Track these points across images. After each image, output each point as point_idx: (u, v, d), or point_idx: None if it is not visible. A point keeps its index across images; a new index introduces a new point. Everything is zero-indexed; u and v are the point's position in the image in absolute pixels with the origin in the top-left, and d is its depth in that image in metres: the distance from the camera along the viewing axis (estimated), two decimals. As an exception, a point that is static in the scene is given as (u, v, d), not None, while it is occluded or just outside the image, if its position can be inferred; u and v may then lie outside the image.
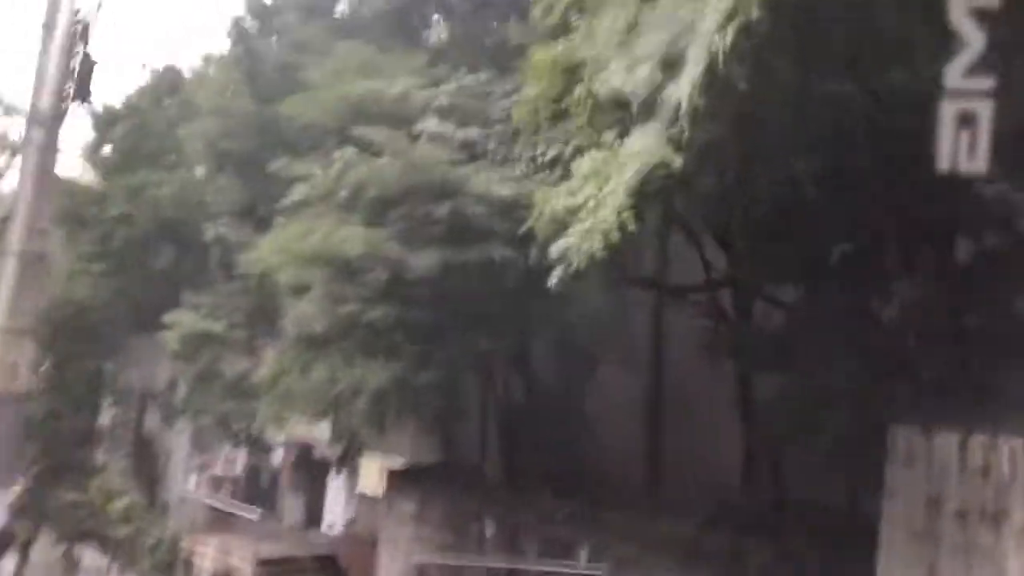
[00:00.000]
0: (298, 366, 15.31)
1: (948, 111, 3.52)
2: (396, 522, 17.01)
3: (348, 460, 23.96)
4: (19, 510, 26.44)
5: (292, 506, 24.82)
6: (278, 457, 25.97)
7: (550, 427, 17.01)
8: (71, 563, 26.56)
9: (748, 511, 12.89)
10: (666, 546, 12.37)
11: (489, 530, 15.07)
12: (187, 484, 25.14)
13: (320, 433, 23.33)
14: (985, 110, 3.45)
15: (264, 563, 20.71)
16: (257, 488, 26.20)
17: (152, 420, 29.25)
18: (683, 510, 13.53)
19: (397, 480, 17.84)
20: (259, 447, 26.50)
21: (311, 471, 25.10)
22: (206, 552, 21.89)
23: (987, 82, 3.43)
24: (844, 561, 10.63)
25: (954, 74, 3.45)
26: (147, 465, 28.07)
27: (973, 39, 3.41)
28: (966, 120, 3.49)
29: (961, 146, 3.54)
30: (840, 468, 11.00)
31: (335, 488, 24.25)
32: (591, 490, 15.13)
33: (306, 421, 22.32)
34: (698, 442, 15.33)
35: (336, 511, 24.01)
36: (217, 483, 23.49)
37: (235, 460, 26.26)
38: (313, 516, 24.72)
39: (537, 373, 16.91)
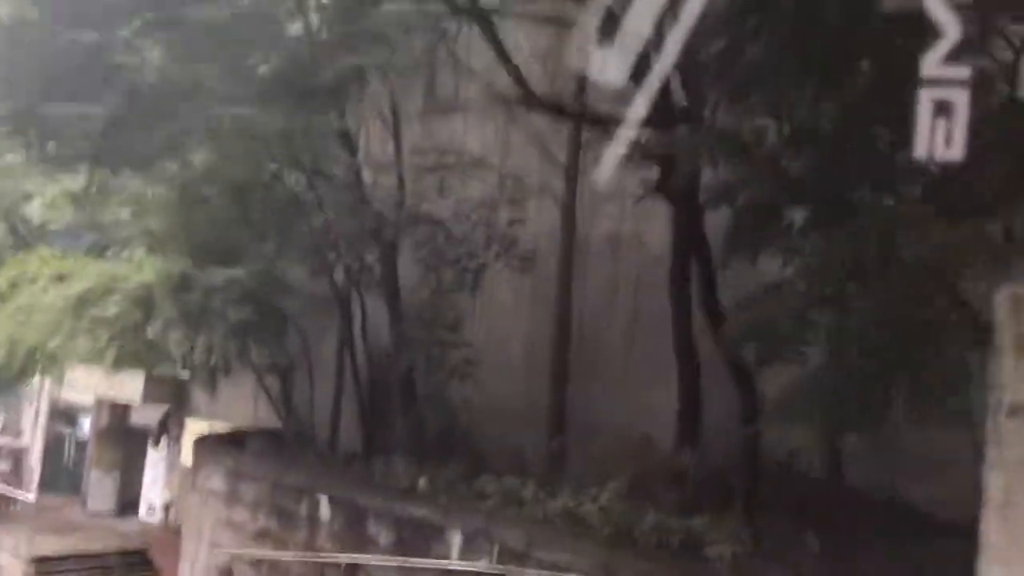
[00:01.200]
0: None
1: (925, 99, 3.48)
2: (201, 503, 12.32)
3: (169, 427, 19.10)
4: None
5: (100, 487, 19.70)
6: (87, 426, 20.78)
7: (424, 379, 12.65)
8: None
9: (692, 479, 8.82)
10: (569, 530, 8.20)
11: (324, 512, 10.59)
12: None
13: (133, 391, 18.35)
14: (962, 98, 3.44)
15: (41, 560, 15.66)
16: (59, 465, 20.92)
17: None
18: (600, 480, 9.37)
19: (205, 449, 13.13)
20: (58, 411, 21.24)
21: (126, 443, 20.01)
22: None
23: (964, 70, 3.42)
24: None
25: (931, 62, 3.41)
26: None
27: (950, 27, 3.35)
28: (942, 109, 3.47)
29: (938, 134, 3.48)
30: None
31: (155, 463, 19.29)
32: (475, 459, 10.87)
33: (109, 372, 17.50)
34: (619, 387, 11.22)
35: (156, 492, 19.06)
36: None
37: (20, 428, 20.90)
38: (128, 499, 19.68)
39: (407, 305, 12.38)
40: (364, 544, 10.07)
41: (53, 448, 21.00)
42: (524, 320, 12.76)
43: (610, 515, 8.00)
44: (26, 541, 15.94)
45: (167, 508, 18.22)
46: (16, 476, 18.30)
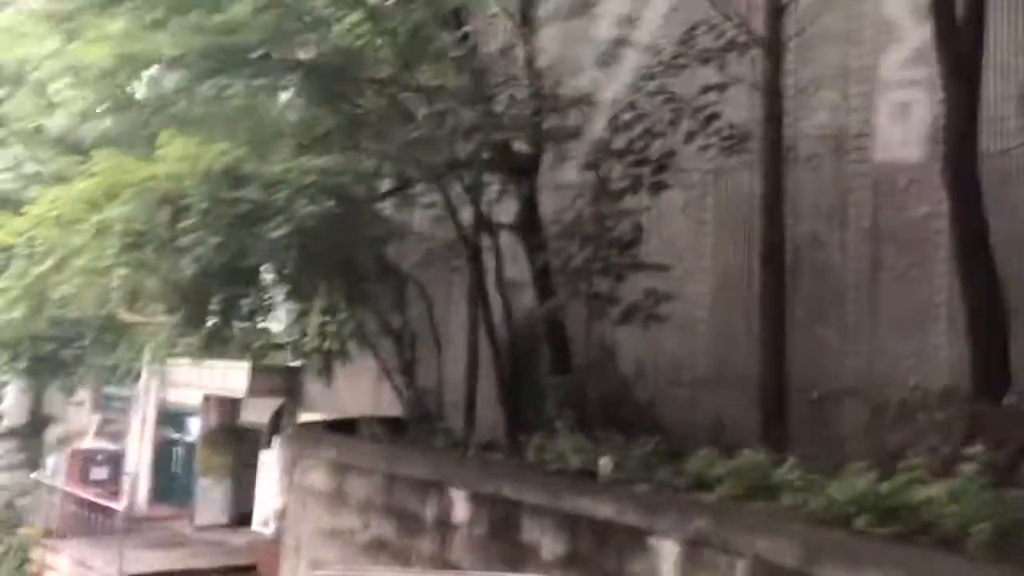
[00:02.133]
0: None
1: (883, 102, 3.53)
2: (299, 507, 9.32)
3: (282, 425, 16.41)
4: None
5: (210, 497, 17.19)
6: (196, 430, 18.39)
7: (584, 326, 9.41)
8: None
9: None
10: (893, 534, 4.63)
11: (460, 512, 7.35)
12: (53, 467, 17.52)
13: (240, 384, 15.77)
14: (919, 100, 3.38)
15: (134, 581, 13.15)
16: (168, 473, 18.61)
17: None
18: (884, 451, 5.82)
19: (302, 438, 10.18)
20: (166, 414, 18.97)
21: (237, 446, 17.48)
22: (59, 567, 14.35)
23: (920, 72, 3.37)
24: None
25: (889, 66, 3.49)
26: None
27: (908, 31, 3.40)
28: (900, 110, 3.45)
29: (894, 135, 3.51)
30: None
31: (268, 467, 16.64)
32: (662, 431, 7.44)
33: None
34: (859, 330, 7.70)
35: (269, 501, 16.39)
36: (85, 462, 15.89)
37: (116, 429, 18.70)
38: (241, 510, 17.12)
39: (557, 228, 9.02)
40: (520, 557, 6.77)
41: (161, 455, 18.72)
42: (714, 244, 9.24)
43: (980, 505, 4.35)
44: (120, 557, 13.45)
45: (280, 517, 15.47)
46: (115, 485, 15.95)
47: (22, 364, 14.65)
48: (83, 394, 20.98)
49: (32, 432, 21.48)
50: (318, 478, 8.99)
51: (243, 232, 7.13)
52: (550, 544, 6.59)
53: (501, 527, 7.05)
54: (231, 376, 15.78)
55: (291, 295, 12.58)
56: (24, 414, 22.18)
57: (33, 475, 15.98)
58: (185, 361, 17.17)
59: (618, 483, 6.48)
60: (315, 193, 6.70)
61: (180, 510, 17.72)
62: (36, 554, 15.06)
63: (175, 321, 11.59)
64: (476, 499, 7.34)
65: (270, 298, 12.59)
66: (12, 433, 21.50)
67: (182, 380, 17.09)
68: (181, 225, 7.15)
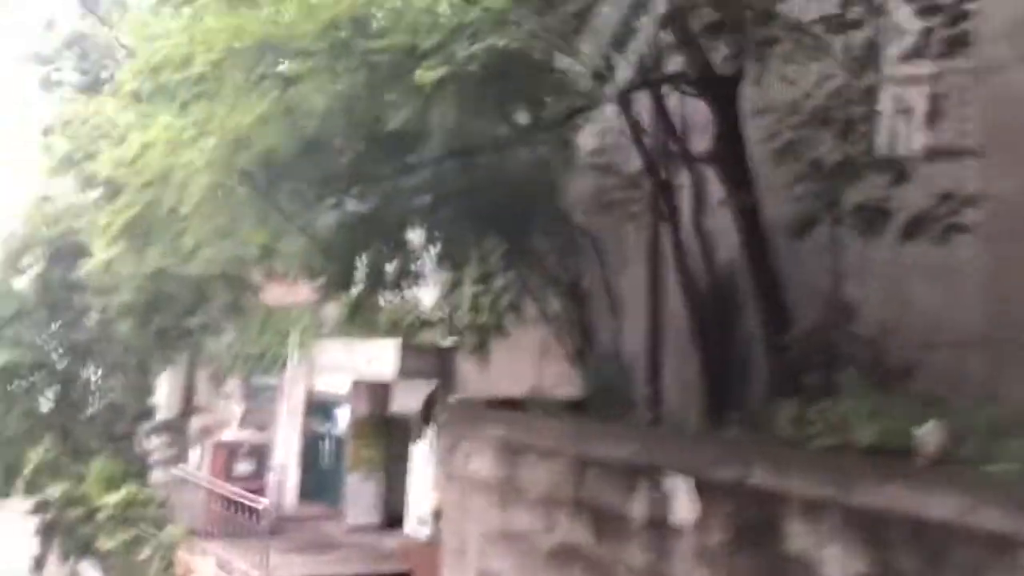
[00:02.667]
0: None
1: (886, 97, 3.60)
2: (459, 500, 7.39)
3: (435, 411, 14.69)
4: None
5: (361, 494, 15.69)
6: (344, 420, 16.98)
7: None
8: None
9: None
10: None
11: (683, 509, 5.22)
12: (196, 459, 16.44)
13: (389, 367, 14.14)
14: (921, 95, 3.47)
15: (277, 588, 11.65)
16: (316, 468, 17.29)
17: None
18: None
19: (460, 416, 8.24)
20: (313, 404, 17.64)
21: (388, 437, 15.91)
22: (202, 570, 13.09)
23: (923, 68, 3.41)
24: None
25: (891, 61, 3.47)
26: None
27: (909, 27, 3.42)
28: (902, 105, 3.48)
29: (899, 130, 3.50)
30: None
31: (421, 461, 14.96)
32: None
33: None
34: None
35: (424, 499, 14.70)
36: (229, 456, 14.61)
37: (261, 420, 17.46)
38: (395, 508, 15.54)
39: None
40: (783, 577, 4.56)
41: (308, 448, 17.42)
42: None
43: None
44: (265, 561, 12.03)
45: (437, 516, 13.73)
46: (260, 480, 14.64)
47: (149, 331, 13.50)
48: (231, 385, 20.11)
49: (183, 426, 20.76)
50: (483, 464, 7.03)
51: (381, 87, 5.14)
52: (840, 558, 4.34)
53: (751, 532, 4.85)
54: (380, 358, 14.18)
55: (442, 259, 10.78)
56: (177, 407, 21.55)
57: (177, 469, 14.91)
58: (332, 344, 15.87)
59: (953, 464, 4.15)
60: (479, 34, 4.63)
61: (329, 509, 16.35)
62: (181, 555, 13.90)
63: (319, 285, 10.07)
64: (708, 490, 5.16)
65: (419, 260, 10.90)
66: (165, 427, 20.85)
67: (330, 364, 15.66)
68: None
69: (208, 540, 13.73)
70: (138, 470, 19.18)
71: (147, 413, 21.27)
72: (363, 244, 9.07)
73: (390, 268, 10.25)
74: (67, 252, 20.55)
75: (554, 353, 10.67)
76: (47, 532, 19.91)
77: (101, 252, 9.52)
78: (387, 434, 15.81)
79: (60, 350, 21.04)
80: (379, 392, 15.84)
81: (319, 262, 9.18)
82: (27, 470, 19.96)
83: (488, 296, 12.62)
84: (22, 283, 20.67)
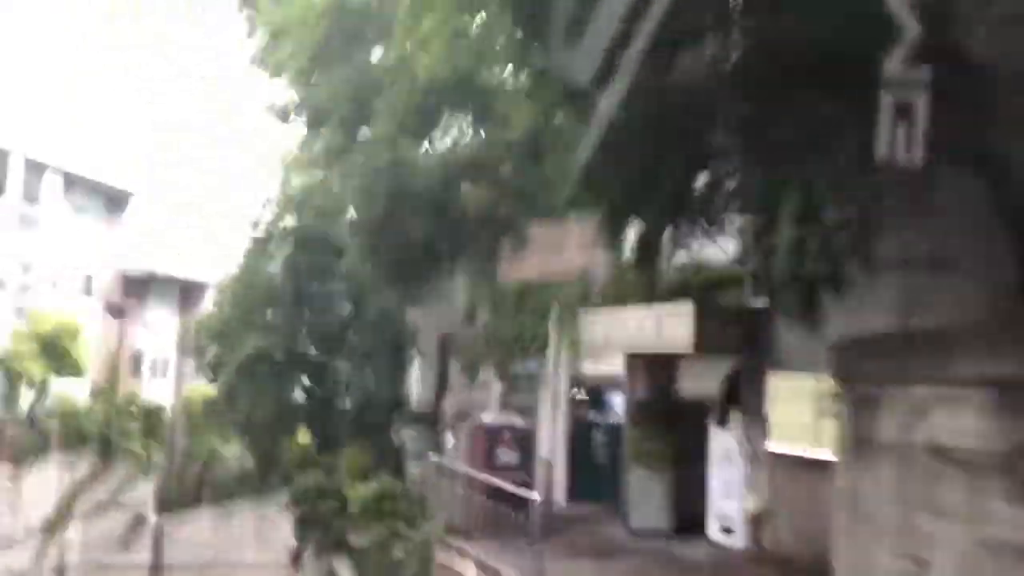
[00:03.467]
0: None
1: (886, 100, 3.43)
2: (898, 484, 4.39)
3: (742, 391, 11.67)
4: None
5: (644, 493, 12.92)
6: (618, 408, 14.34)
7: None
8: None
9: None
10: None
11: None
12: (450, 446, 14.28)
13: (679, 338, 11.32)
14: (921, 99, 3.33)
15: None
16: (586, 462, 14.77)
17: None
18: None
19: (886, 360, 5.20)
20: (580, 391, 15.15)
21: (676, 425, 13.06)
22: (465, 573, 10.87)
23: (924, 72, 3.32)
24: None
25: (892, 64, 3.35)
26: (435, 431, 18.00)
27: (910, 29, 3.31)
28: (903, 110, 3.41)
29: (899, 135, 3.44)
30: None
31: (725, 454, 11.98)
32: None
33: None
34: None
35: (730, 500, 11.72)
36: (490, 441, 12.26)
37: (523, 404, 15.09)
38: (687, 511, 12.67)
39: None
40: None
41: (577, 439, 14.95)
42: None
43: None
44: (540, 568, 9.58)
45: (756, 523, 10.74)
46: (525, 472, 12.25)
47: (386, 261, 11.53)
48: (486, 374, 18.12)
49: (437, 417, 19.04)
50: (960, 427, 4.03)
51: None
52: None
53: None
54: (668, 328, 11.42)
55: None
56: (430, 398, 19.95)
57: (433, 458, 12.91)
58: (603, 316, 13.34)
59: None
60: None
61: (603, 508, 13.77)
62: (440, 555, 11.81)
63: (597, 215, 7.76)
64: None
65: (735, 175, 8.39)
66: (418, 418, 19.25)
67: (600, 340, 13.12)
68: None
69: (468, 540, 11.54)
70: (392, 463, 17.59)
71: (400, 404, 19.82)
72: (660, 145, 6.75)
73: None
74: (314, 240, 19.55)
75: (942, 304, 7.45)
76: (303, 526, 18.82)
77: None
78: (675, 422, 12.99)
79: (310, 339, 20.06)
80: (662, 372, 13.08)
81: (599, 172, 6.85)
82: (283, 462, 19.02)
83: (814, 239, 9.57)
84: (272, 268, 19.89)
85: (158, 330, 34.80)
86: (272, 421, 18.99)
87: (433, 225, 18.25)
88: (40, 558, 25.43)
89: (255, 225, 19.56)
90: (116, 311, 33.21)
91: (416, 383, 20.56)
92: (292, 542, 21.20)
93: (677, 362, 12.90)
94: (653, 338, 11.66)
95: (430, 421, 19.12)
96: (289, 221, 19.33)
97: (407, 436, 19.06)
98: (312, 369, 19.82)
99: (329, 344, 19.79)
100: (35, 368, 23.62)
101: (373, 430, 18.53)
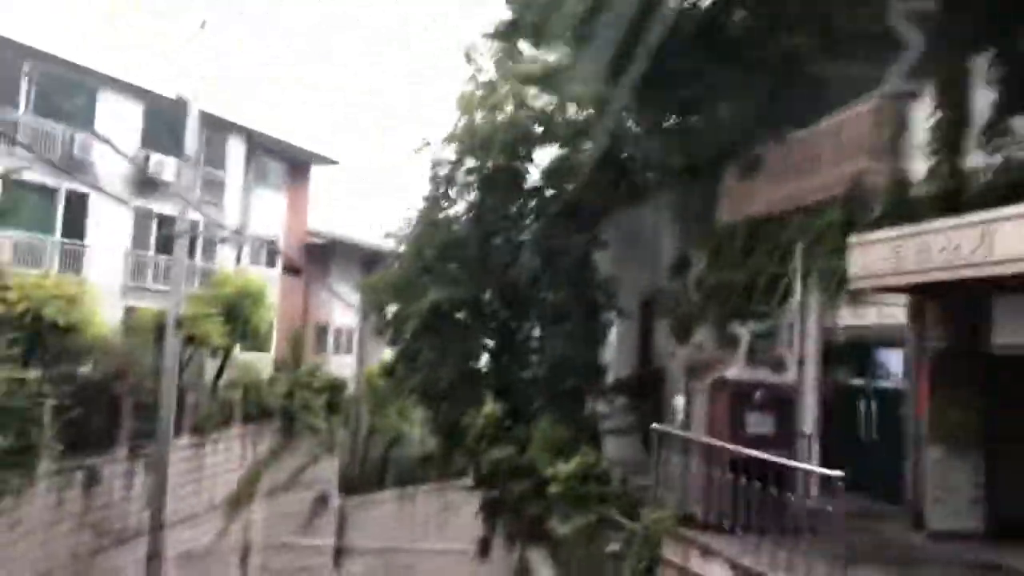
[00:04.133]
0: None
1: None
2: None
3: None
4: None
5: (944, 482, 9.48)
6: (897, 369, 10.89)
7: None
8: (524, 567, 14.76)
9: None
10: None
11: None
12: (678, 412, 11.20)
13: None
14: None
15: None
16: (847, 440, 11.38)
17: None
18: None
19: None
20: (836, 347, 11.76)
21: (989, 391, 9.52)
22: (711, 579, 7.92)
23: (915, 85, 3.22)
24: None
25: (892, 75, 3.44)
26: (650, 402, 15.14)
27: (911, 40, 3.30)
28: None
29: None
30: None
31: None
32: None
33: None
34: None
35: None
36: (736, 402, 9.12)
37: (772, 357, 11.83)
38: (1007, 509, 9.14)
39: None
40: None
41: (839, 409, 11.60)
42: None
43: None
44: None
45: None
46: (785, 446, 9.05)
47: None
48: (702, 334, 14.99)
49: (642, 387, 16.14)
50: None
51: None
52: None
53: None
54: (998, 241, 7.98)
55: None
56: (632, 363, 17.10)
57: (657, 426, 10.00)
58: (878, 244, 9.95)
59: None
60: None
61: (872, 499, 10.39)
62: (670, 551, 8.92)
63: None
64: None
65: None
66: (619, 388, 16.43)
67: (876, 270, 9.74)
68: None
69: (709, 532, 8.57)
70: (588, 438, 14.84)
71: (597, 371, 17.03)
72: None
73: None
74: (501, 181, 17.14)
75: None
76: (491, 510, 16.46)
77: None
78: (989, 384, 9.47)
79: (497, 297, 17.63)
80: (968, 313, 9.58)
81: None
82: (469, 437, 16.72)
83: None
84: (453, 213, 17.66)
85: (342, 301, 33.81)
86: (455, 387, 16.72)
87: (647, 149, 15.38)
88: (223, 536, 24.54)
89: (434, 165, 17.36)
90: (299, 280, 32.40)
91: (615, 347, 17.78)
92: (479, 530, 19.10)
93: (991, 300, 9.39)
94: (973, 257, 8.23)
95: (633, 390, 16.27)
96: (471, 162, 17.01)
97: (605, 408, 16.32)
98: (499, 330, 17.39)
99: (517, 303, 17.30)
100: (215, 332, 22.56)
101: (566, 401, 15.84)
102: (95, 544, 18.17)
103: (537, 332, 17.98)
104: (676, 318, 15.68)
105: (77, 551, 17.46)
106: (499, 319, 17.43)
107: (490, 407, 17.50)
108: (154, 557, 18.39)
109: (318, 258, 33.40)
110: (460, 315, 16.79)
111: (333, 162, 34.25)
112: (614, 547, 10.44)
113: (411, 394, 17.65)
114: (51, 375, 16.38)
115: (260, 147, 30.18)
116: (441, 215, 17.53)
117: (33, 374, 16.18)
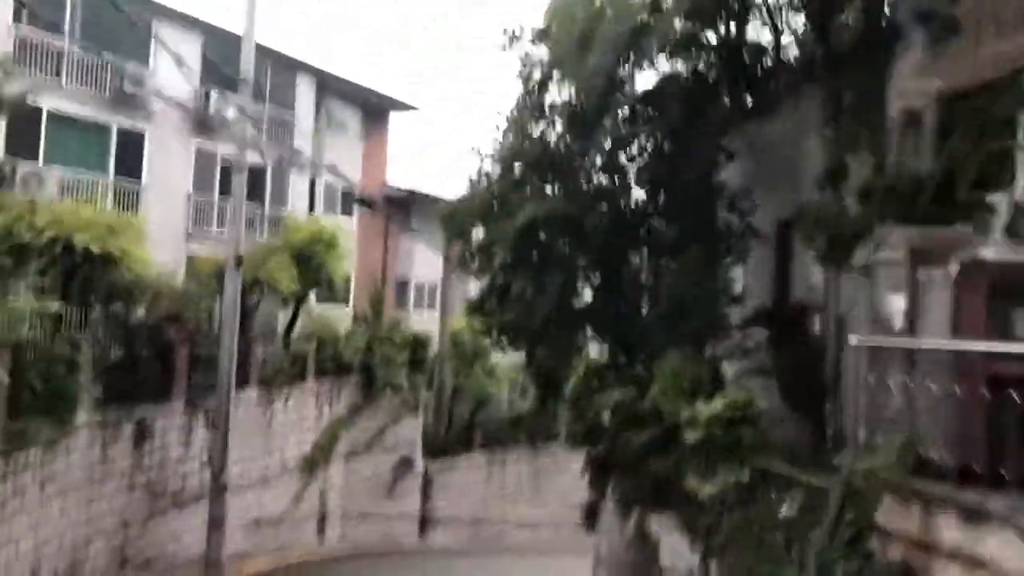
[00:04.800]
0: None
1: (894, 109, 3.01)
2: None
3: None
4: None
5: None
6: None
7: None
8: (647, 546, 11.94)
9: None
10: None
11: None
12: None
13: None
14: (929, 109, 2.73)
15: None
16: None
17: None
18: None
19: None
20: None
21: None
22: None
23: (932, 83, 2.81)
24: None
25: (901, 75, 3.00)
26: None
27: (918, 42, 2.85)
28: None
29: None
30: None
31: None
32: None
33: None
34: None
35: None
36: (996, 292, 6.08)
37: None
38: None
39: None
40: None
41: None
42: None
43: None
44: None
45: None
46: None
47: None
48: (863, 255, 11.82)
49: (784, 321, 13.06)
50: None
51: None
52: None
53: None
54: None
55: None
56: (768, 294, 14.03)
57: (859, 337, 7.04)
58: None
59: None
60: None
61: None
62: (894, 516, 5.98)
63: None
64: None
65: None
66: (754, 323, 13.40)
67: None
68: None
69: (972, 487, 5.61)
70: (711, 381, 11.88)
71: (726, 305, 14.03)
72: None
73: None
74: (602, 87, 14.19)
75: None
76: (599, 470, 13.71)
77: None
78: None
79: (602, 221, 14.70)
80: None
81: None
82: (571, 382, 13.98)
83: None
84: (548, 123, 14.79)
85: (423, 255, 31.42)
86: (553, 326, 13.97)
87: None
88: (298, 501, 22.42)
89: (525, 65, 14.53)
90: (377, 228, 30.11)
91: (747, 277, 14.72)
92: (577, 496, 16.51)
93: None
94: None
95: (775, 325, 13.23)
96: (568, 63, 14.10)
97: (734, 348, 13.33)
98: (605, 260, 14.50)
99: (628, 226, 14.37)
100: (284, 277, 20.32)
101: (688, 340, 12.89)
102: (147, 507, 16.10)
103: (650, 264, 15.05)
104: (830, 237, 12.52)
105: (126, 515, 15.38)
106: (606, 247, 14.53)
107: (595, 349, 14.72)
108: (216, 524, 16.27)
109: (397, 210, 31.05)
110: (558, 241, 13.99)
111: (412, 108, 31.75)
112: (788, 510, 7.56)
113: (502, 334, 14.90)
114: (92, 315, 14.22)
115: (332, 90, 27.83)
116: (534, 125, 14.69)
117: (70, 312, 14.06)
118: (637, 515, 12.05)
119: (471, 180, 14.67)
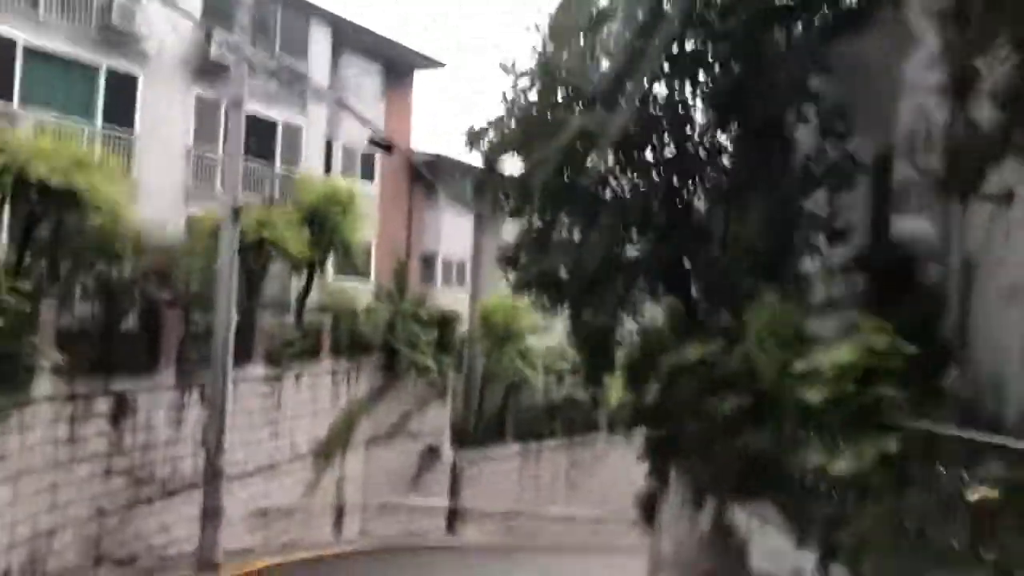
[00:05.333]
0: None
1: (906, 105, 2.95)
2: None
3: None
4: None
5: None
6: None
7: None
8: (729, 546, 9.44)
9: None
10: None
11: None
12: None
13: None
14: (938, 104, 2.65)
15: None
16: None
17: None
18: None
19: None
20: None
21: None
22: None
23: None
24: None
25: (913, 69, 2.80)
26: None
27: (928, 37, 2.85)
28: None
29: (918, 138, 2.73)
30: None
31: None
32: None
33: None
34: None
35: None
36: None
37: None
38: None
39: None
40: None
41: None
42: None
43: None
44: None
45: None
46: None
47: None
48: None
49: (885, 261, 10.53)
50: None
51: None
52: None
53: None
54: None
55: None
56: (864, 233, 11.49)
57: None
58: None
59: None
60: None
61: None
62: None
63: None
64: None
65: None
66: (855, 268, 10.87)
67: None
68: None
69: None
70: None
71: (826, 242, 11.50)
72: None
73: None
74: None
75: None
76: (661, 455, 11.26)
77: None
78: None
79: (653, 161, 12.23)
80: None
81: None
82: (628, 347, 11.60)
83: None
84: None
85: (451, 228, 29.05)
86: (603, 279, 11.53)
87: None
88: (311, 492, 20.13)
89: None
90: (402, 201, 27.78)
91: (837, 215, 12.17)
92: (627, 489, 14.25)
93: None
94: None
95: (877, 271, 10.70)
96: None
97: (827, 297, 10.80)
98: (666, 200, 12.00)
99: (694, 158, 11.86)
100: (293, 240, 18.06)
101: (779, 279, 10.37)
102: (129, 495, 13.85)
103: (722, 204, 12.52)
104: (951, 162, 9.92)
105: (101, 503, 13.14)
106: (667, 183, 12.02)
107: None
108: (212, 514, 14.04)
109: (422, 178, 28.68)
110: (613, 170, 11.54)
111: (439, 64, 29.38)
112: (981, 493, 5.08)
113: (541, 290, 12.43)
114: (54, 267, 11.97)
115: (350, 41, 25.52)
116: (581, 34, 12.22)
117: (35, 265, 11.82)
118: (715, 506, 9.55)
119: (504, 98, 12.18)
